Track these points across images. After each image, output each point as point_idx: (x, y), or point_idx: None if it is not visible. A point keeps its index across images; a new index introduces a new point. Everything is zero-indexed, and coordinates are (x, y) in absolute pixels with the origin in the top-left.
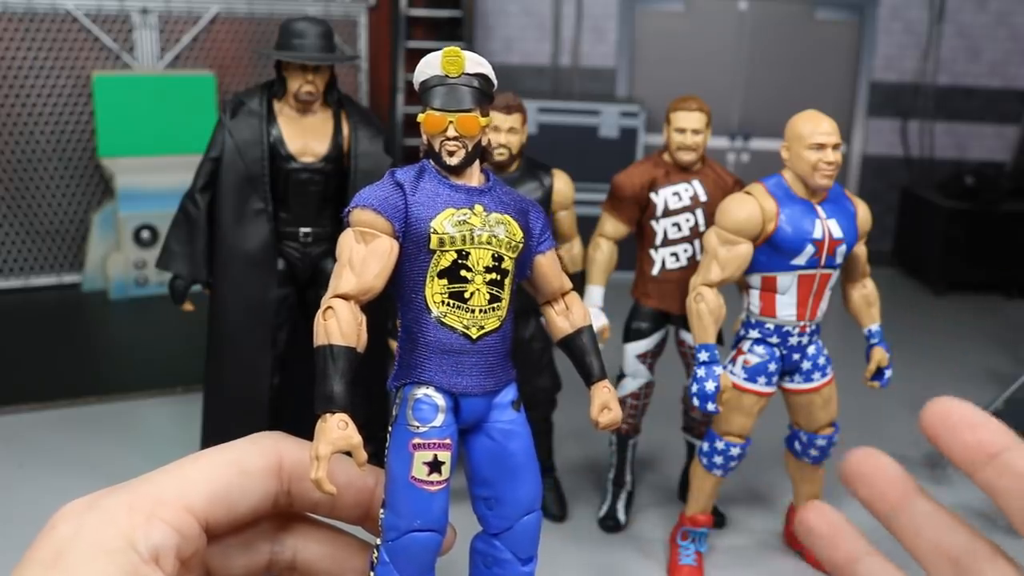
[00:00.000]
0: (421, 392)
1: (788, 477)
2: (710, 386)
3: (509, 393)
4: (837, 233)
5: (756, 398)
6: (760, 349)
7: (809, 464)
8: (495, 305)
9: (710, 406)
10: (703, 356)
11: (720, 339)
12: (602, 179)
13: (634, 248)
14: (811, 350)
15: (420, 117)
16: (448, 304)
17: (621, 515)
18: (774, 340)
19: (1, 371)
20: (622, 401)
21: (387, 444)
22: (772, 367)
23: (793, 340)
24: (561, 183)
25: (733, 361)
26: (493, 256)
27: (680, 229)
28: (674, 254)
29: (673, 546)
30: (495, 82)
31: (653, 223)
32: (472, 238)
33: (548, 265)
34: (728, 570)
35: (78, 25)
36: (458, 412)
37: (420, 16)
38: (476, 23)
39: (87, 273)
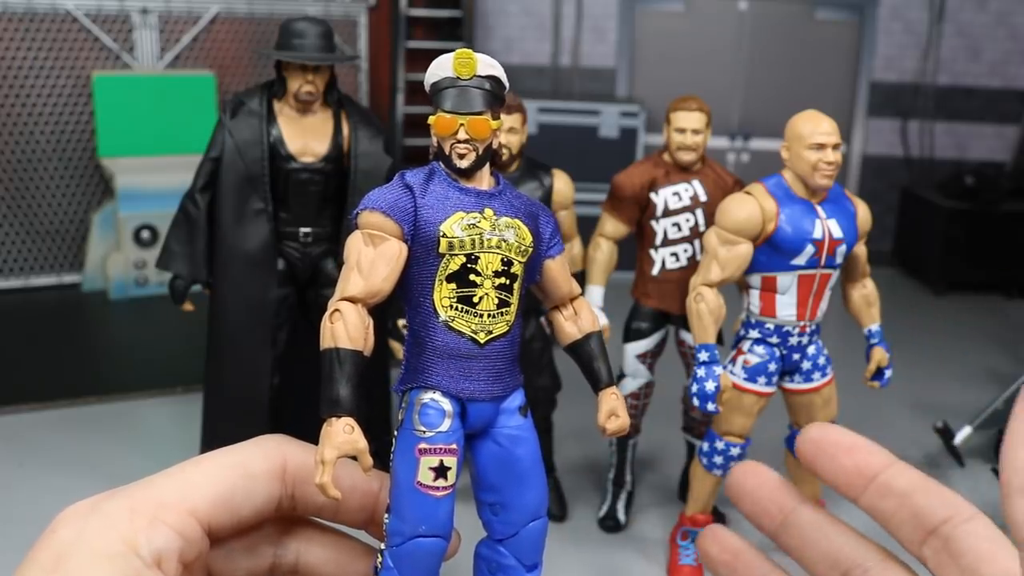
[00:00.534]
0: (428, 397)
1: (788, 477)
2: (710, 386)
3: (516, 398)
4: (837, 233)
5: (756, 398)
6: (760, 349)
7: None
8: (504, 310)
9: (710, 406)
10: (703, 356)
11: (720, 339)
12: (602, 179)
13: (634, 248)
14: (811, 350)
15: (431, 119)
16: (457, 308)
17: (621, 515)
18: (774, 340)
19: (1, 371)
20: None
21: (392, 448)
22: (772, 367)
23: (793, 340)
24: (561, 183)
25: (733, 361)
26: (502, 260)
27: (680, 229)
28: (674, 254)
29: (673, 546)
30: (507, 84)
31: (653, 223)
32: (482, 242)
33: (557, 270)
34: None
35: (78, 25)
36: (465, 417)
37: (420, 16)
38: (476, 23)
39: (87, 273)
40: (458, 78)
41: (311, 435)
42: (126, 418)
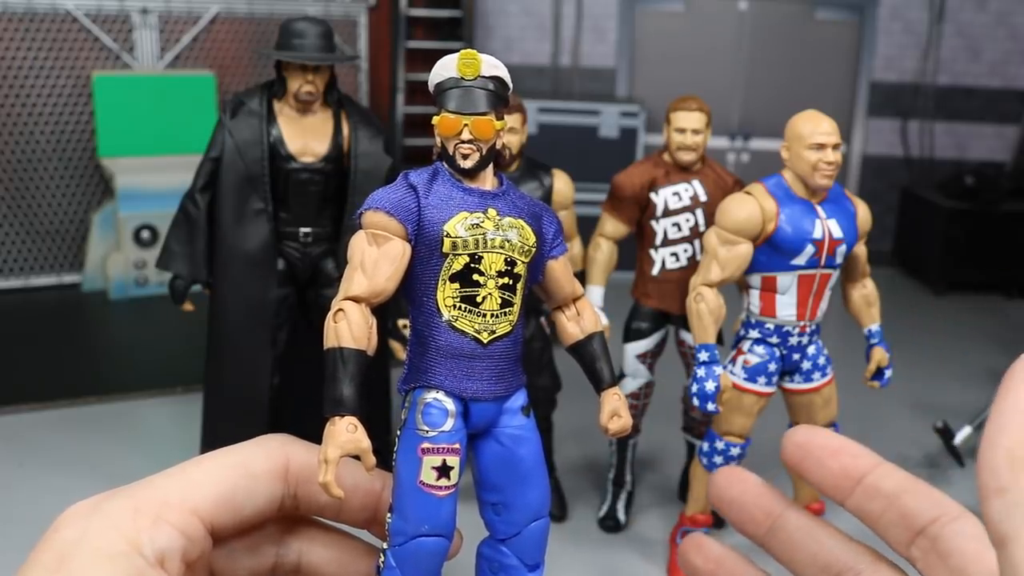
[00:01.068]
0: (431, 396)
1: (788, 477)
2: (710, 386)
3: (519, 398)
4: (837, 233)
5: (756, 398)
6: (760, 349)
7: None
8: (507, 310)
9: (710, 406)
10: (703, 356)
11: (720, 339)
12: (602, 179)
13: (634, 248)
14: (811, 350)
15: (435, 119)
16: (460, 308)
17: (621, 515)
18: (774, 340)
19: (1, 371)
20: None
21: (395, 448)
22: (772, 367)
23: (793, 340)
24: (561, 183)
25: (733, 361)
26: (506, 260)
27: (680, 229)
28: (674, 254)
29: (673, 546)
30: (511, 85)
31: (653, 223)
32: (485, 242)
33: (560, 270)
34: None
35: (78, 25)
36: (467, 417)
37: (420, 16)
38: (476, 23)
39: (87, 273)
40: (462, 78)
41: (311, 435)
42: (126, 418)
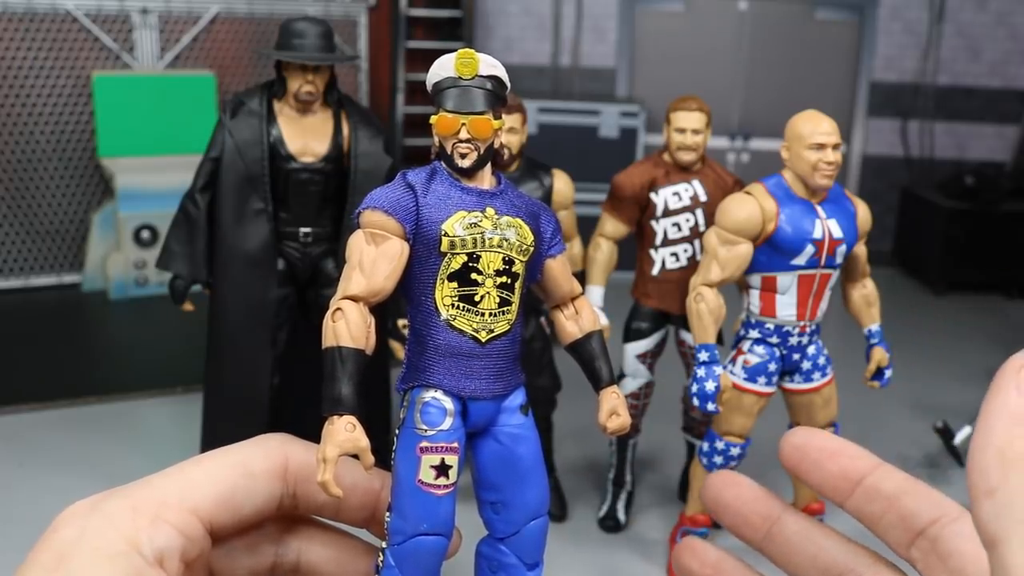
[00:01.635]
0: (429, 395)
1: (788, 477)
2: (710, 386)
3: (517, 397)
4: (837, 233)
5: (756, 398)
6: (760, 349)
7: None
8: (505, 309)
9: (710, 406)
10: (703, 356)
11: (720, 339)
12: (602, 179)
13: (634, 248)
14: (811, 350)
15: (433, 119)
16: (458, 307)
17: (621, 515)
18: (774, 340)
19: (1, 371)
20: None
21: (394, 447)
22: (772, 367)
23: (793, 340)
24: (561, 183)
25: (733, 361)
26: (504, 259)
27: (680, 229)
28: (674, 254)
29: (673, 546)
30: (509, 84)
31: (653, 223)
32: (483, 241)
33: (558, 269)
34: None
35: (78, 25)
36: (466, 416)
37: (420, 16)
38: (476, 23)
39: (87, 273)
40: (460, 78)
41: (311, 435)
42: (126, 418)
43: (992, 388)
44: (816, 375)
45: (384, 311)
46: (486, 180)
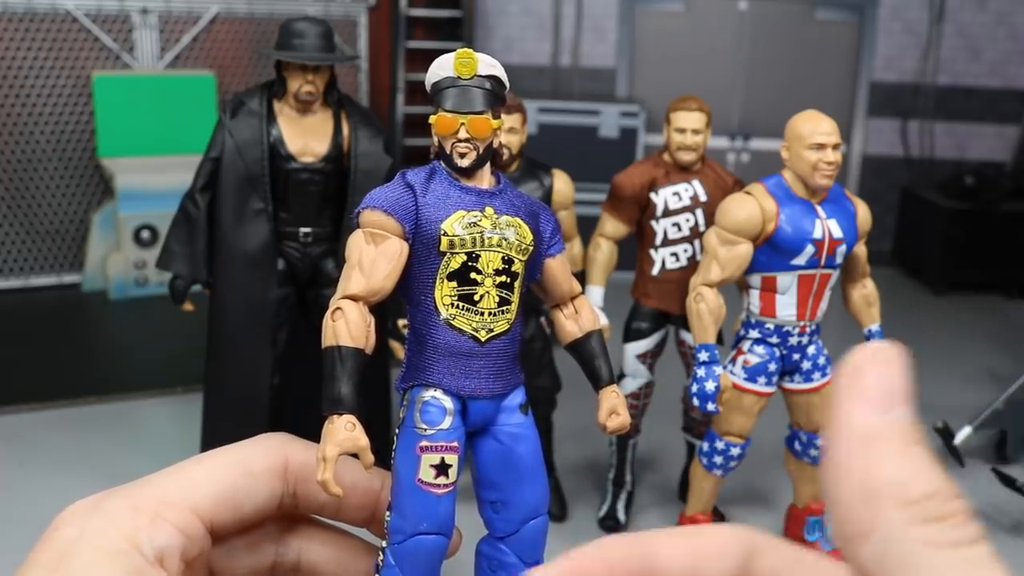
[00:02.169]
0: (429, 394)
1: (788, 477)
2: (710, 386)
3: (517, 396)
4: (837, 233)
5: (756, 398)
6: (760, 349)
7: (809, 464)
8: (505, 308)
9: (710, 406)
10: (703, 356)
11: (720, 339)
12: (602, 179)
13: (634, 248)
14: (811, 350)
15: (432, 118)
16: (457, 306)
17: (621, 515)
18: (774, 340)
19: (1, 371)
20: None
21: (394, 446)
22: (772, 367)
23: (793, 340)
24: (561, 183)
25: (733, 361)
26: (503, 259)
27: (680, 229)
28: (674, 254)
29: None
30: (507, 84)
31: (653, 223)
32: (482, 240)
33: (558, 268)
34: None
35: (78, 25)
36: (466, 415)
37: (420, 16)
38: (476, 23)
39: (87, 273)
40: (459, 78)
41: (312, 435)
42: (126, 418)
43: (832, 407)
44: (816, 375)
45: (385, 311)
46: (485, 179)
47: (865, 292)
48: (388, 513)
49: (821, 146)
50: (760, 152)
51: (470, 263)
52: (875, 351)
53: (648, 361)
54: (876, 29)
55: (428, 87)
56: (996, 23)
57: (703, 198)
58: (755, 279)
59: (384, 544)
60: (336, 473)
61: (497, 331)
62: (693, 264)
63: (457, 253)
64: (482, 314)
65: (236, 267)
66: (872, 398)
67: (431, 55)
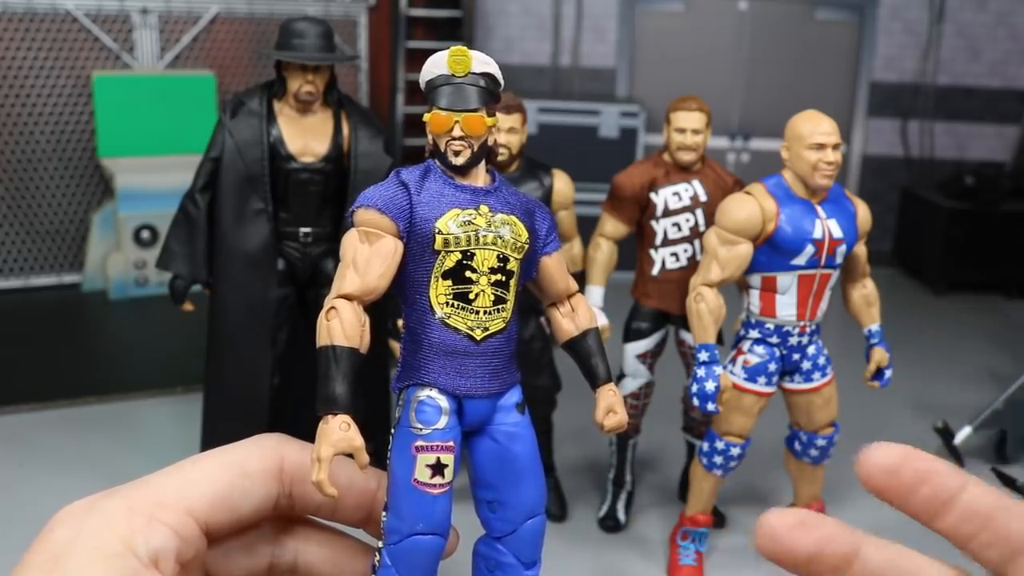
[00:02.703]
0: (424, 394)
1: (788, 477)
2: (710, 386)
3: (513, 395)
4: (837, 233)
5: (756, 398)
6: (760, 349)
7: (809, 464)
8: (500, 306)
9: (710, 406)
10: (703, 356)
11: (720, 339)
12: (602, 179)
13: (634, 248)
14: (811, 350)
15: (426, 117)
16: (452, 305)
17: (621, 515)
18: (774, 340)
19: (1, 371)
20: (623, 402)
21: (389, 446)
22: (772, 367)
23: (793, 340)
24: (561, 183)
25: (733, 361)
26: (498, 257)
27: (680, 229)
28: (674, 254)
29: (673, 546)
30: (502, 82)
31: (653, 223)
32: (477, 239)
33: (554, 267)
34: (728, 570)
35: (78, 25)
36: (462, 414)
37: (420, 16)
38: (476, 23)
39: (87, 273)
40: (453, 75)
41: (311, 435)
42: (126, 418)
43: None
44: (816, 375)
45: (383, 311)
46: (480, 178)
47: (865, 292)
48: (384, 513)
49: (821, 146)
50: (760, 152)
51: (465, 261)
52: None
53: (648, 361)
54: (876, 29)
55: (422, 85)
56: (996, 23)
57: (703, 198)
58: (755, 279)
59: (380, 544)
60: (331, 473)
61: (493, 330)
62: (693, 264)
63: (452, 251)
64: (477, 313)
65: (236, 267)
66: None
67: (431, 55)
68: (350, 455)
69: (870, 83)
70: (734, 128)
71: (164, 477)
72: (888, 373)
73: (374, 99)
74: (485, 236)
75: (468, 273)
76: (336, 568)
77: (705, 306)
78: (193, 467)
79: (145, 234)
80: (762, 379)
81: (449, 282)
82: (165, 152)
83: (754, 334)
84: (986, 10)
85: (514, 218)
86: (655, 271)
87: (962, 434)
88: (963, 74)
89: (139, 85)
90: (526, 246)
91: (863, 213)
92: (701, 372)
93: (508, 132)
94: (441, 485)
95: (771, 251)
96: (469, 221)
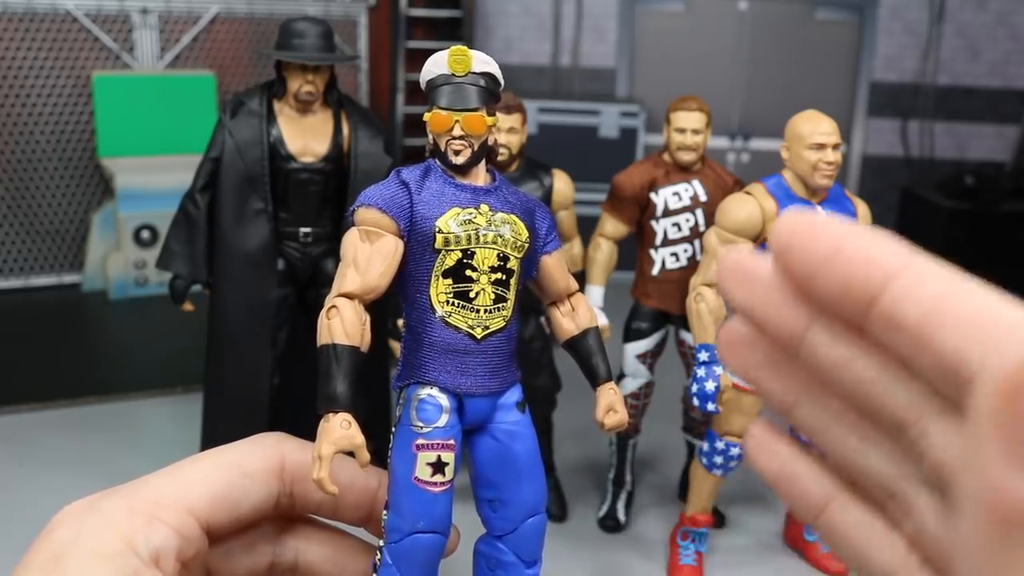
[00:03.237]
0: (425, 392)
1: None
2: (710, 386)
3: (514, 394)
4: None
5: (756, 398)
6: None
7: None
8: (500, 305)
9: (710, 406)
10: (703, 356)
11: None
12: (602, 179)
13: (634, 248)
14: None
15: (426, 116)
16: (453, 304)
17: (621, 515)
18: None
19: (1, 371)
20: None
21: (390, 444)
22: None
23: None
24: (561, 183)
25: None
26: (499, 256)
27: (680, 229)
28: (674, 254)
29: (673, 546)
30: (502, 81)
31: (653, 223)
32: (477, 238)
33: (554, 266)
34: (728, 570)
35: (78, 25)
36: (462, 413)
37: (420, 16)
38: (476, 23)
39: (87, 273)
40: (453, 75)
41: (311, 435)
42: (126, 418)
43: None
44: None
45: (385, 310)
46: (480, 177)
47: None
48: (385, 512)
49: (821, 146)
50: (760, 152)
51: (465, 260)
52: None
53: (648, 361)
54: (876, 29)
55: (423, 84)
56: (996, 23)
57: (703, 198)
58: None
59: (381, 543)
60: (332, 472)
61: (493, 328)
62: (693, 264)
63: (452, 250)
64: (478, 311)
65: (236, 267)
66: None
67: (431, 55)
68: (351, 453)
69: (870, 83)
70: (734, 128)
71: (164, 477)
72: None
73: (374, 99)
74: (485, 235)
75: (468, 272)
76: (337, 567)
77: (705, 306)
78: (193, 467)
79: (145, 234)
80: None
81: (450, 281)
82: (165, 152)
83: None
84: (986, 10)
85: (514, 217)
86: (655, 271)
87: None
88: (963, 74)
89: (139, 85)
90: (526, 245)
91: (863, 213)
92: (701, 372)
93: (508, 132)
94: (442, 483)
95: None
96: (469, 220)
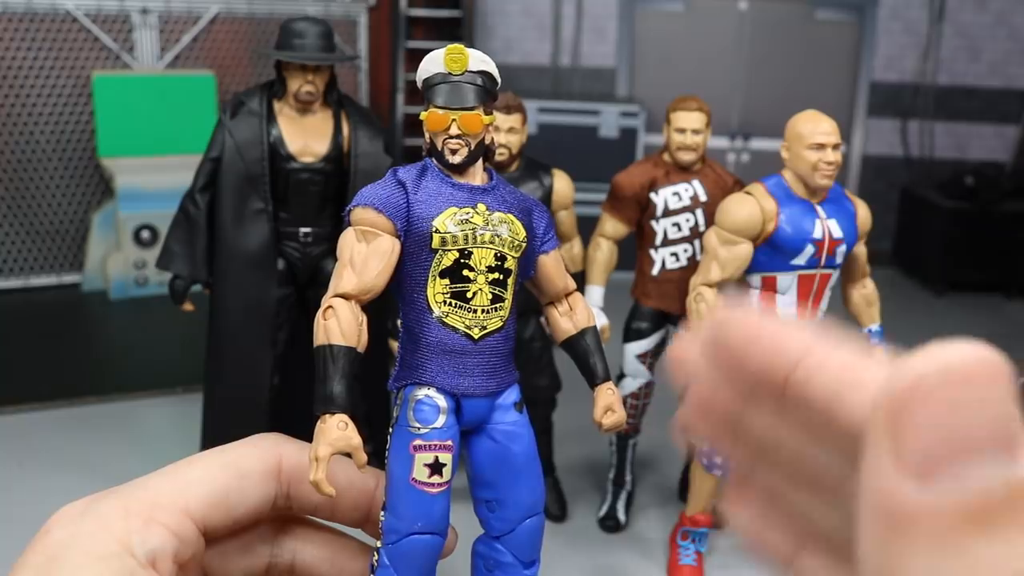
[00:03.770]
0: (422, 393)
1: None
2: None
3: (512, 394)
4: (837, 233)
5: None
6: None
7: None
8: (498, 305)
9: None
10: None
11: None
12: (602, 179)
13: (634, 248)
14: None
15: (423, 115)
16: (450, 304)
17: (621, 515)
18: None
19: (1, 371)
20: (622, 401)
21: (388, 445)
22: None
23: None
24: (561, 183)
25: None
26: (496, 256)
27: (680, 229)
28: (674, 254)
29: (673, 546)
30: (499, 80)
31: (653, 223)
32: (475, 237)
33: (552, 265)
34: (728, 570)
35: (78, 25)
36: (460, 413)
37: (420, 16)
38: (476, 23)
39: (87, 273)
40: (450, 74)
41: (311, 435)
42: (126, 418)
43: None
44: None
45: (384, 311)
46: (477, 176)
47: (865, 292)
48: (383, 513)
49: (821, 146)
50: (760, 152)
51: (462, 260)
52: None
53: (648, 361)
54: (876, 29)
55: (419, 83)
56: (996, 23)
57: (703, 198)
58: (755, 279)
59: (379, 544)
60: (329, 473)
61: (490, 328)
62: (693, 264)
63: (449, 250)
64: (475, 311)
65: (236, 267)
66: (914, 455)
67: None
68: (348, 454)
69: (870, 83)
70: (734, 128)
71: (161, 478)
72: None
73: (374, 99)
74: (483, 235)
75: (466, 272)
76: (334, 568)
77: (705, 306)
78: (190, 467)
79: (145, 234)
80: None
81: (447, 281)
82: (165, 152)
83: None
84: (986, 10)
85: (512, 216)
86: (655, 271)
87: None
88: (963, 74)
89: (139, 85)
90: (524, 244)
91: (863, 213)
92: None
93: (508, 132)
94: (439, 484)
95: (771, 251)
96: (467, 220)
